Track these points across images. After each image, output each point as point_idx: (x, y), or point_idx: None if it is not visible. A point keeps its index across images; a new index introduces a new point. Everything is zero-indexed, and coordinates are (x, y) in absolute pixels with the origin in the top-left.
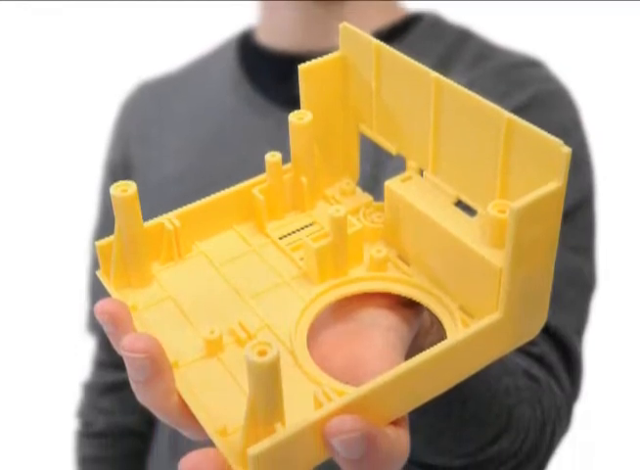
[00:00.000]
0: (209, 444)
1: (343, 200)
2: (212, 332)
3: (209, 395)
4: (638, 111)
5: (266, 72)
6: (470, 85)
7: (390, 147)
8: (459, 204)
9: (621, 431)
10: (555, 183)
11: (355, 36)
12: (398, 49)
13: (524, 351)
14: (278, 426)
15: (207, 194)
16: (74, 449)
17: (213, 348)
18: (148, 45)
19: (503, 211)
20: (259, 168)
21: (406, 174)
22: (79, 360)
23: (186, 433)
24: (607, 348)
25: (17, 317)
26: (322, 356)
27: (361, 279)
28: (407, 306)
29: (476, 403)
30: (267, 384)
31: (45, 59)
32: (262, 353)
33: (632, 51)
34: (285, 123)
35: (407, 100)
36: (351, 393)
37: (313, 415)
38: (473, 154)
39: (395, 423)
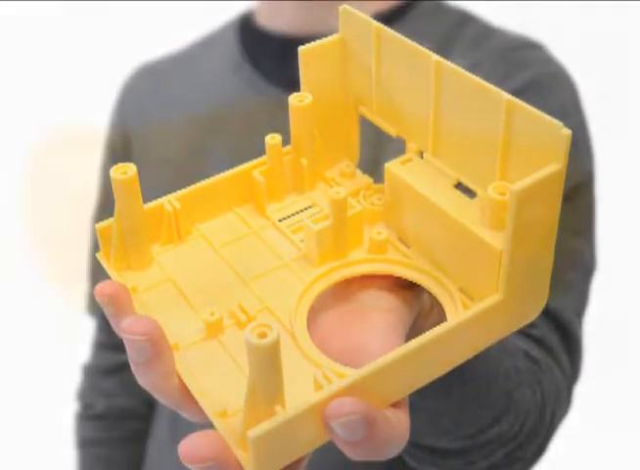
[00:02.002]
0: (209, 426)
1: (343, 182)
2: (212, 314)
3: (209, 377)
4: (638, 93)
5: (266, 55)
6: (472, 67)
7: (391, 129)
8: (459, 186)
9: (621, 413)
10: (555, 165)
11: (355, 18)
12: (398, 31)
13: (524, 333)
14: (278, 408)
15: (207, 176)
16: (74, 431)
17: (213, 330)
18: (149, 27)
19: (503, 193)
20: (259, 150)
21: (406, 156)
22: (79, 342)
23: (186, 415)
24: (606, 330)
25: (16, 298)
26: (322, 339)
27: (361, 261)
28: (407, 289)
29: (476, 385)
30: (267, 366)
31: (47, 40)
32: (262, 336)
33: (631, 32)
34: (285, 105)
35: (407, 82)
36: (351, 375)
37: (313, 397)
38: (473, 136)
39: (395, 405)
